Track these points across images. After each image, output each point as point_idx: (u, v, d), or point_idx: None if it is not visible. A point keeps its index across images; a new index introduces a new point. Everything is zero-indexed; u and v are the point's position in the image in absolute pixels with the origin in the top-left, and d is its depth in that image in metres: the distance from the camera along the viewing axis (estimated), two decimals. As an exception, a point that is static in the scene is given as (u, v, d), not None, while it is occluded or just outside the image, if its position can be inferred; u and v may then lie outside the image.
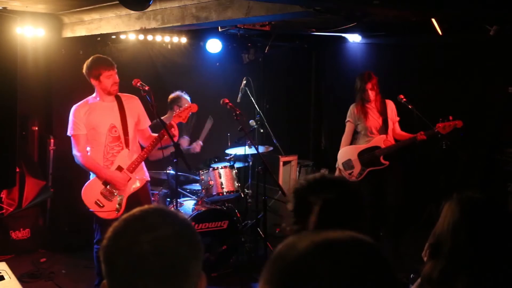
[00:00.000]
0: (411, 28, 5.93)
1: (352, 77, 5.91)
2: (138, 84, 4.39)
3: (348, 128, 5.77)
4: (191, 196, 5.56)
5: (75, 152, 4.40)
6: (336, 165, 5.71)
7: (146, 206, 1.25)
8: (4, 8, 4.91)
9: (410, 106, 5.50)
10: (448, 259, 1.74)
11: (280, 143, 6.51)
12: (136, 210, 1.24)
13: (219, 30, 6.06)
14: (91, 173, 4.48)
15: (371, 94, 5.56)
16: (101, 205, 4.39)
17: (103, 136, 4.41)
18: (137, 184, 4.53)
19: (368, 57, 7.22)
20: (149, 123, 4.72)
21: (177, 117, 4.54)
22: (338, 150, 5.80)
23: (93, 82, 4.43)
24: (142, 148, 4.61)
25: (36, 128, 6.03)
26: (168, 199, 5.45)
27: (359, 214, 1.80)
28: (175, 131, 4.44)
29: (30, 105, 5.85)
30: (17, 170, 5.10)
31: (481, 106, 6.11)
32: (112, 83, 4.39)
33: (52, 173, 6.04)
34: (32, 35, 5.71)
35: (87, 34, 5.63)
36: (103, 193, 4.41)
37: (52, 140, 6.04)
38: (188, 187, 5.77)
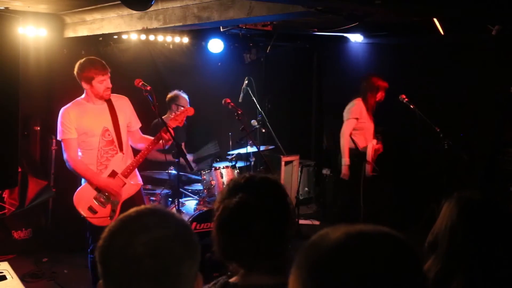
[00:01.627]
0: (413, 28, 5.93)
1: (354, 77, 5.93)
2: (140, 84, 4.27)
3: (352, 126, 5.75)
4: (193, 196, 5.56)
5: (66, 157, 4.17)
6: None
7: (142, 207, 1.25)
8: (6, 8, 4.93)
9: (412, 106, 5.51)
10: (445, 259, 1.74)
11: (282, 143, 6.51)
12: (132, 210, 1.25)
13: (221, 30, 6.07)
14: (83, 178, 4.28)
15: (381, 96, 5.60)
16: (95, 211, 4.17)
17: (96, 140, 4.18)
18: (132, 190, 4.34)
19: (370, 57, 7.22)
20: (140, 124, 4.50)
21: (174, 120, 4.37)
22: (339, 150, 5.84)
23: (84, 85, 4.16)
24: (134, 150, 4.43)
25: (38, 128, 6.03)
26: (170, 199, 5.45)
27: (252, 224, 1.61)
28: (168, 137, 4.24)
29: (32, 105, 5.85)
30: (19, 170, 5.11)
31: (483, 106, 6.11)
32: (105, 89, 4.15)
33: (54, 172, 6.04)
34: (34, 35, 5.72)
35: (89, 34, 5.64)
36: (97, 199, 4.20)
37: (54, 140, 6.03)
38: (190, 187, 5.77)
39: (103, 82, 4.14)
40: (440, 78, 6.44)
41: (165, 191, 5.47)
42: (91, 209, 4.18)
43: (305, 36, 7.29)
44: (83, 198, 4.20)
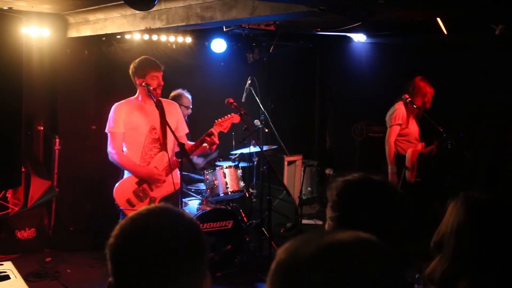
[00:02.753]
0: (416, 28, 5.91)
1: (357, 77, 5.90)
2: (143, 84, 4.33)
3: (396, 132, 5.51)
4: (196, 195, 5.56)
5: (110, 149, 4.37)
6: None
7: (153, 205, 1.27)
8: (10, 8, 4.93)
9: (415, 106, 5.49)
10: (452, 260, 1.72)
11: (285, 142, 6.51)
12: (143, 208, 1.26)
13: (224, 30, 6.07)
14: (126, 171, 4.47)
15: (428, 103, 5.46)
16: (133, 204, 4.35)
17: (143, 136, 4.40)
18: (171, 188, 4.43)
19: (373, 56, 7.21)
20: (187, 130, 4.74)
21: (219, 126, 4.60)
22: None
23: (138, 81, 4.38)
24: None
25: (42, 128, 6.04)
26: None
27: (400, 220, 1.65)
28: (215, 139, 4.50)
29: (35, 104, 5.87)
30: (23, 169, 5.11)
31: (487, 105, 6.09)
32: (157, 85, 4.36)
33: (57, 172, 6.06)
34: (37, 35, 5.73)
35: (92, 34, 5.65)
36: (136, 193, 4.40)
37: (57, 140, 6.05)
38: (193, 186, 5.77)
39: (155, 79, 4.37)
40: (444, 78, 6.42)
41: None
42: (129, 202, 4.38)
43: (308, 36, 7.28)
44: (123, 190, 4.40)
